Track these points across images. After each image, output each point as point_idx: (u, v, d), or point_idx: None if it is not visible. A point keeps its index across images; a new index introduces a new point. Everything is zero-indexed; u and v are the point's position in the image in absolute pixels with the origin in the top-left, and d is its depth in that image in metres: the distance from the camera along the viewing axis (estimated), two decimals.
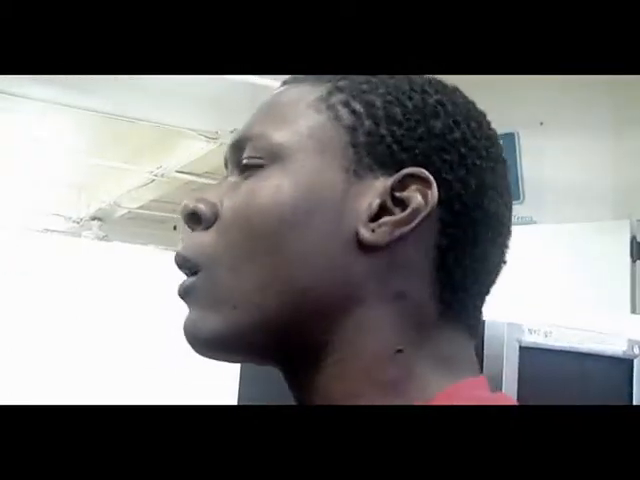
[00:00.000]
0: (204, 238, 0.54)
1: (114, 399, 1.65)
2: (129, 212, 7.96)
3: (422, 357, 0.52)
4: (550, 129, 4.40)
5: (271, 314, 0.52)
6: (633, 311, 3.86)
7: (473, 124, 0.56)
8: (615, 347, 1.55)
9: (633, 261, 4.04)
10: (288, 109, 0.56)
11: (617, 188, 4.22)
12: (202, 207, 0.55)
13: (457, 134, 0.54)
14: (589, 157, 4.33)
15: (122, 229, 7.90)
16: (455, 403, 0.50)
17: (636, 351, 1.56)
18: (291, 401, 0.55)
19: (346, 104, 0.54)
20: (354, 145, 0.53)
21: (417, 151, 0.53)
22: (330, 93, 0.55)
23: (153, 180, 6.52)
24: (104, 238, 7.07)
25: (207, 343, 0.54)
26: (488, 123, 0.58)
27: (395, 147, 0.53)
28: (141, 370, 1.73)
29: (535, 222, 4.39)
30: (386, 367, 0.52)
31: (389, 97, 0.54)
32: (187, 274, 0.55)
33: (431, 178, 0.52)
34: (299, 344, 0.53)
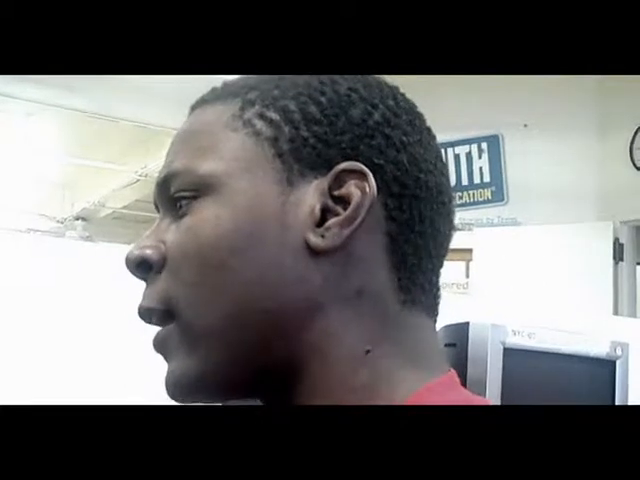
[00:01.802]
0: (160, 285, 0.53)
1: (97, 399, 1.64)
2: (113, 212, 7.92)
3: (391, 353, 0.52)
4: (534, 131, 4.42)
5: (244, 342, 0.51)
6: (616, 312, 3.89)
7: (390, 101, 0.55)
8: (598, 348, 1.56)
9: (616, 263, 4.06)
10: (205, 136, 0.54)
11: (601, 190, 4.25)
12: (149, 252, 0.54)
13: (377, 116, 0.53)
14: (573, 159, 4.35)
15: (106, 229, 7.86)
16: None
17: (619, 352, 1.57)
18: None
19: (261, 116, 0.53)
20: (280, 155, 0.52)
21: (343, 145, 0.52)
22: (242, 109, 0.54)
23: (138, 180, 6.50)
24: (88, 238, 7.03)
25: (191, 390, 0.53)
26: (402, 95, 0.57)
27: (320, 146, 0.52)
28: (124, 370, 1.72)
29: (519, 223, 4.41)
30: (357, 370, 0.51)
31: (302, 98, 0.53)
32: (157, 324, 0.54)
33: (365, 169, 0.51)
34: (275, 364, 0.52)
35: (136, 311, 0.54)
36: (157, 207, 0.57)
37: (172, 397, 0.54)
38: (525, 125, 4.45)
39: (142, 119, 5.29)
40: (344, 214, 0.51)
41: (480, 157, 4.58)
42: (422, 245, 0.54)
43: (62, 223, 8.07)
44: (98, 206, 7.60)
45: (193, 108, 0.58)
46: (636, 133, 4.12)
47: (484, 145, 4.58)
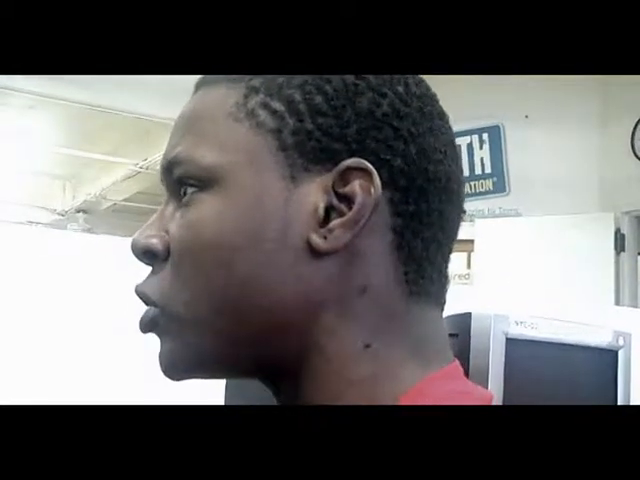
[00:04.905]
0: (160, 276, 0.53)
1: (97, 395, 1.64)
2: (114, 204, 7.92)
3: (394, 347, 0.51)
4: (535, 122, 4.41)
5: (238, 338, 0.51)
6: (617, 303, 3.89)
7: (399, 88, 0.52)
8: (600, 338, 1.55)
9: (617, 253, 4.06)
10: (208, 122, 0.53)
11: (602, 181, 4.25)
12: (154, 242, 0.53)
13: (385, 107, 0.51)
14: (574, 150, 4.35)
15: (107, 221, 7.86)
16: (426, 400, 0.49)
17: (620, 342, 1.57)
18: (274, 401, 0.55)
19: (265, 106, 0.51)
20: (283, 149, 0.51)
21: (349, 138, 0.50)
22: (246, 96, 0.52)
23: (138, 172, 6.50)
24: (89, 230, 7.04)
25: (182, 372, 0.54)
26: (414, 78, 0.54)
27: (325, 140, 0.50)
28: (123, 364, 1.72)
29: (520, 214, 4.41)
30: (356, 365, 0.50)
31: (307, 87, 0.51)
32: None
33: (370, 167, 0.50)
34: (272, 360, 0.52)
35: (137, 301, 0.54)
36: (163, 183, 0.57)
37: (165, 374, 0.54)
38: (526, 116, 4.45)
39: (143, 111, 5.28)
40: (348, 215, 0.50)
41: (481, 148, 4.58)
42: (430, 237, 0.52)
43: (63, 215, 8.08)
44: (99, 198, 7.60)
45: (197, 87, 0.56)
46: (637, 124, 4.12)
47: (485, 136, 4.58)
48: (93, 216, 8.06)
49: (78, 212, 8.05)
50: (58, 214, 8.12)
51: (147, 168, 6.28)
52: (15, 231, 1.92)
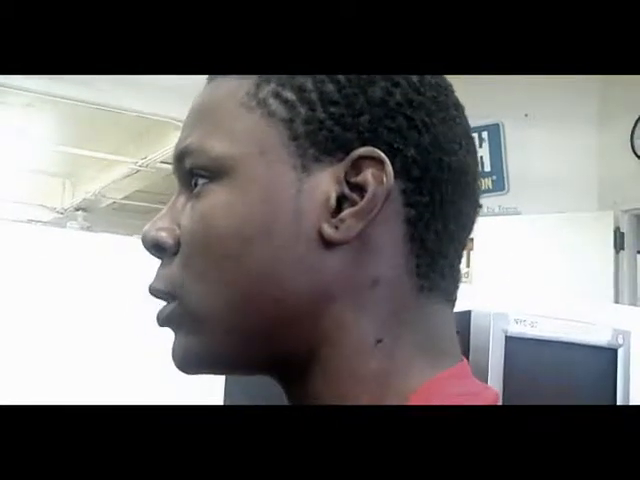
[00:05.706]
0: (172, 269, 0.53)
1: (97, 394, 1.64)
2: (114, 203, 7.92)
3: (404, 342, 0.51)
4: (535, 120, 4.41)
5: (249, 331, 0.51)
6: (616, 301, 3.89)
7: (413, 77, 0.52)
8: (599, 337, 1.56)
9: (617, 252, 4.07)
10: (220, 113, 0.53)
11: (601, 179, 4.25)
12: (163, 236, 0.53)
13: (398, 96, 0.50)
14: (574, 148, 4.35)
15: (107, 219, 7.86)
16: (436, 400, 0.49)
17: (620, 341, 1.57)
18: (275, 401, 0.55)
19: (276, 95, 0.51)
20: (295, 138, 0.50)
21: (361, 127, 0.50)
22: (258, 86, 0.52)
23: (138, 171, 6.49)
24: (89, 228, 7.03)
25: (195, 367, 0.54)
26: None
27: (337, 129, 0.50)
28: (123, 363, 1.71)
29: (520, 213, 4.41)
30: (367, 360, 0.50)
31: (319, 76, 0.51)
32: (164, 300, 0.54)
33: (382, 156, 0.49)
34: (284, 354, 0.51)
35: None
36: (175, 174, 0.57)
37: (179, 369, 0.54)
38: (526, 114, 4.44)
39: (142, 110, 5.28)
40: (359, 205, 0.49)
41: (481, 146, 4.58)
42: (443, 230, 0.52)
43: (63, 214, 8.08)
44: (98, 197, 7.60)
45: (209, 79, 0.56)
46: (637, 122, 4.12)
47: (484, 134, 4.57)
48: (92, 214, 8.06)
49: (77, 210, 8.05)
50: (57, 212, 8.12)
51: (147, 166, 6.27)
52: (14, 229, 1.92)
